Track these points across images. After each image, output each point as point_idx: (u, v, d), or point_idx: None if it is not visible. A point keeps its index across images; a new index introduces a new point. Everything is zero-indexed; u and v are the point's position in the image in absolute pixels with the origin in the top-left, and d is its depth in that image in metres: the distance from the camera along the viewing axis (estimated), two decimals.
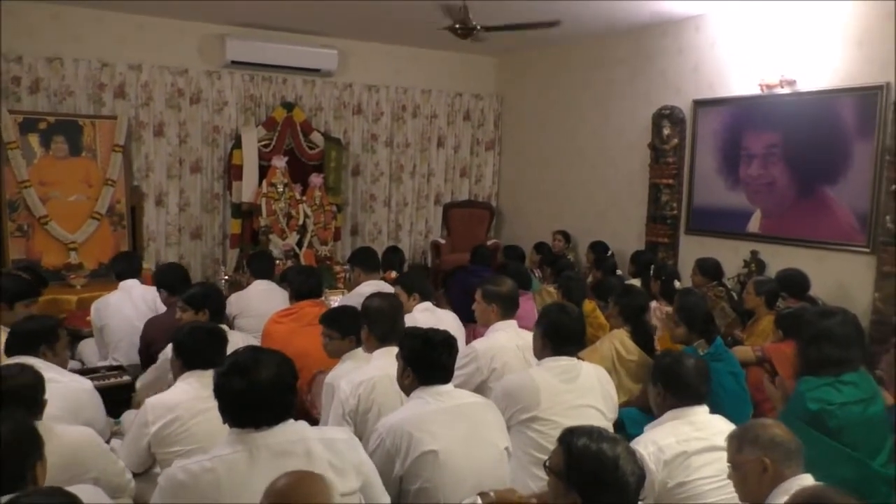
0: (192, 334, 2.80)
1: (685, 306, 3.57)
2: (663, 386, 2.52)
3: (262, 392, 1.92)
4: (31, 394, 2.33)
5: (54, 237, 6.03)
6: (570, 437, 1.79)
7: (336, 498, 1.82)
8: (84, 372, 3.82)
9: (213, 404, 2.14)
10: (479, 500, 2.14)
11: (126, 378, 3.73)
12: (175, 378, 2.80)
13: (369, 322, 2.99)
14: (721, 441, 2.27)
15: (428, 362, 2.44)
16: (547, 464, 1.83)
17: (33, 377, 2.37)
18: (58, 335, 3.02)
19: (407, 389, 2.50)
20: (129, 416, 3.33)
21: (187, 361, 2.75)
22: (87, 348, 4.47)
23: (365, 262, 4.81)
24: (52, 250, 6.03)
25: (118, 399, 3.52)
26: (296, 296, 4.06)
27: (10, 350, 2.90)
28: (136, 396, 3.52)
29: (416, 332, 2.55)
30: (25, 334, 2.94)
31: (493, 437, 2.46)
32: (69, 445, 2.26)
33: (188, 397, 2.61)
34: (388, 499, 2.12)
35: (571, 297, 4.48)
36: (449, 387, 2.49)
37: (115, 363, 4.04)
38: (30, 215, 5.95)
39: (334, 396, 2.81)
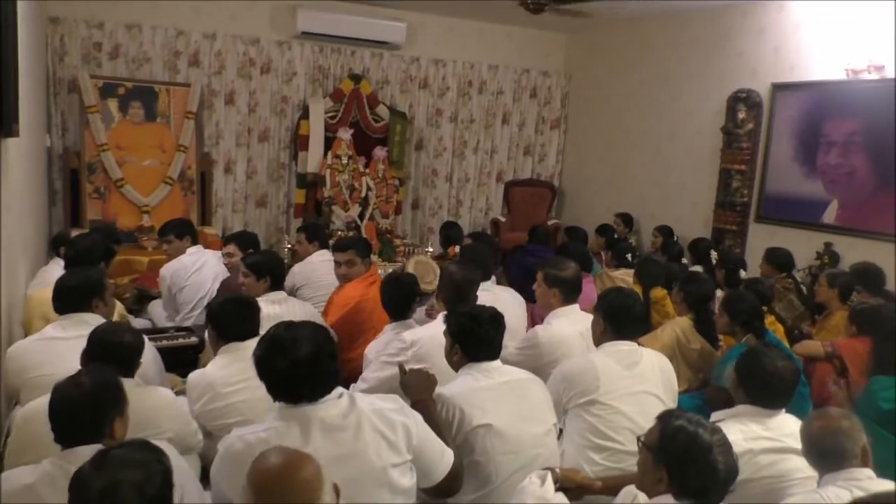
0: (223, 307, 2.82)
1: (733, 297, 3.53)
2: (738, 378, 2.42)
3: (305, 368, 1.90)
4: (129, 355, 2.41)
5: (129, 200, 6.23)
6: (668, 416, 1.86)
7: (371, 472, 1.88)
8: (153, 332, 3.96)
9: (249, 376, 2.18)
10: (549, 476, 2.14)
11: (193, 339, 3.84)
12: (213, 350, 2.86)
13: (439, 287, 3.25)
14: (791, 442, 2.20)
15: (476, 339, 2.44)
16: (642, 439, 1.88)
17: (136, 340, 2.45)
18: (105, 284, 3.02)
19: (455, 366, 2.51)
20: (195, 377, 3.44)
21: (222, 333, 2.79)
22: (157, 308, 4.61)
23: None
24: (127, 212, 6.25)
25: (185, 359, 3.64)
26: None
27: (62, 307, 2.85)
28: (202, 357, 3.63)
29: (464, 308, 2.57)
30: (75, 289, 2.87)
31: (541, 412, 2.47)
32: (150, 405, 2.35)
33: (224, 373, 2.66)
34: (450, 455, 2.08)
35: (647, 282, 4.38)
36: (497, 363, 2.50)
37: (184, 324, 4.18)
38: (106, 178, 6.15)
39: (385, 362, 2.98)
